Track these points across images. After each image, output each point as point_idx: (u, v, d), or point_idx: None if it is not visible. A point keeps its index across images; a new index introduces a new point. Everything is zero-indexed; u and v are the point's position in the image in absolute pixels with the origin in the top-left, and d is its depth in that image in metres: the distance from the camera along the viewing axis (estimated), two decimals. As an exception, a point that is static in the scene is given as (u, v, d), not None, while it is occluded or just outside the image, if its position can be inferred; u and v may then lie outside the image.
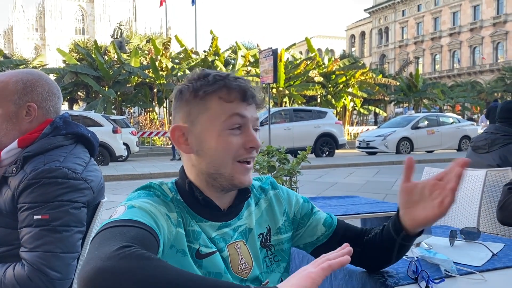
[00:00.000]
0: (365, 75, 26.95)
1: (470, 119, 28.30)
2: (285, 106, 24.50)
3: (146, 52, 28.66)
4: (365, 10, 73.65)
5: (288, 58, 28.32)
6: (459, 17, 58.57)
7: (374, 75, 28.41)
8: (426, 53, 63.38)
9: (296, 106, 22.05)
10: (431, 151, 16.22)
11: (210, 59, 25.84)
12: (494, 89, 41.51)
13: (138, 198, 0.87)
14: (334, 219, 1.12)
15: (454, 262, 1.15)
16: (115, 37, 52.59)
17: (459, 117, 20.72)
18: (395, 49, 67.46)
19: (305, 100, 26.21)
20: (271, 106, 17.05)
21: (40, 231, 1.15)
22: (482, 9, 55.69)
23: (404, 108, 36.60)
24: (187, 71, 25.15)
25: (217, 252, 0.91)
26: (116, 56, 26.16)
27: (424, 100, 34.75)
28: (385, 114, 33.17)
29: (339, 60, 28.70)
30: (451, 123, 16.86)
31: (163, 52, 26.00)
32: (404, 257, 1.25)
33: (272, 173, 2.45)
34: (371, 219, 2.10)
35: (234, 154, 0.91)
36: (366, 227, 1.12)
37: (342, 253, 0.71)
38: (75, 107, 29.50)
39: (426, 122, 16.38)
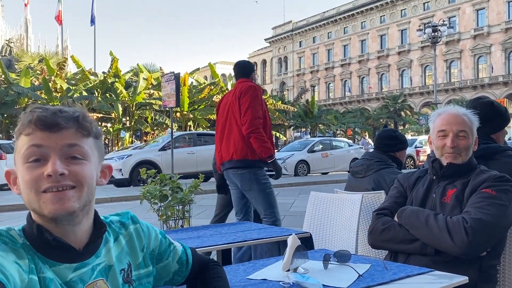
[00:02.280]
0: (266, 101, 28.00)
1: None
2: (189, 130, 24.40)
3: (38, 72, 26.73)
4: (265, 39, 77.10)
5: (192, 83, 28.43)
6: (349, 49, 64.13)
7: (275, 102, 29.75)
8: (321, 81, 68.09)
9: (200, 131, 22.08)
10: (326, 173, 17.27)
11: (109, 81, 24.90)
12: (379, 115, 45.82)
13: None
14: (189, 256, 1.16)
15: (324, 285, 1.24)
16: (3, 54, 48.29)
17: (350, 141, 22.44)
18: (294, 77, 71.44)
19: (209, 124, 26.39)
20: (175, 130, 16.85)
21: None
22: (368, 43, 61.65)
23: (302, 133, 38.66)
24: (84, 93, 23.93)
25: None
26: (3, 76, 23.98)
27: (319, 125, 37.12)
28: (285, 138, 34.70)
29: (241, 86, 29.52)
30: (343, 146, 18.20)
31: (58, 72, 24.51)
32: (280, 283, 1.33)
33: (165, 203, 2.43)
34: (261, 244, 2.18)
35: (35, 186, 0.86)
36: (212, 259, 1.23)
37: None
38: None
39: (320, 146, 17.48)
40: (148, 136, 26.70)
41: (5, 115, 22.22)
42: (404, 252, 1.78)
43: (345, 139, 22.47)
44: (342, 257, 1.54)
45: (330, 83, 67.45)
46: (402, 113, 47.45)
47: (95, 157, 0.95)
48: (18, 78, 24.29)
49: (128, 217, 1.07)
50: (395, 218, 1.84)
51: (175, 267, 1.13)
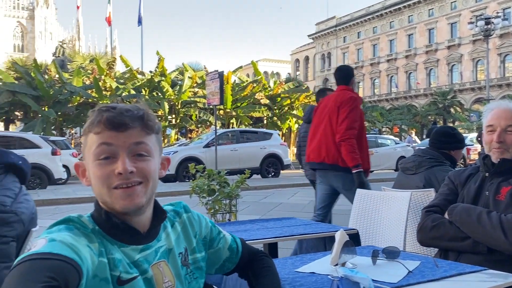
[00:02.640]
0: (309, 98, 27.82)
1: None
2: (232, 127, 24.67)
3: (89, 71, 27.89)
4: (308, 35, 76.43)
5: (235, 80, 28.69)
6: (396, 44, 62.32)
7: (318, 98, 29.37)
8: (366, 77, 66.61)
9: (242, 128, 22.29)
10: (371, 171, 16.86)
11: (156, 80, 25.60)
12: (428, 112, 44.22)
13: (59, 232, 0.89)
14: (239, 244, 1.23)
15: (373, 280, 1.24)
16: (56, 55, 50.71)
17: (396, 138, 21.81)
18: (338, 73, 70.20)
19: (251, 122, 26.56)
20: (218, 127, 17.13)
21: None
22: (415, 37, 59.66)
23: (346, 130, 37.96)
24: (132, 91, 24.74)
25: (139, 277, 0.95)
26: (57, 75, 25.23)
27: (364, 122, 36.27)
28: (328, 136, 34.24)
29: (284, 83, 29.46)
30: (389, 144, 17.73)
31: (107, 72, 25.46)
32: (329, 276, 1.34)
33: (212, 197, 2.51)
34: (306, 239, 2.20)
35: (106, 182, 0.94)
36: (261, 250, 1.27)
37: None
38: (12, 127, 27.91)
39: (366, 144, 17.07)
40: (192, 133, 27.24)
41: (59, 113, 23.32)
42: (454, 250, 1.74)
43: (392, 137, 21.88)
44: (391, 253, 1.53)
45: (375, 79, 65.88)
46: (452, 110, 45.59)
47: (157, 152, 1.02)
48: (71, 77, 25.44)
49: (181, 206, 1.15)
50: (446, 216, 1.81)
51: (226, 254, 1.19)
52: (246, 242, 1.28)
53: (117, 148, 0.95)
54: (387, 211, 2.41)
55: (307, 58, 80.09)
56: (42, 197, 9.40)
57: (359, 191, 2.62)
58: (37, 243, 0.83)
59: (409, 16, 60.45)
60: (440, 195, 1.94)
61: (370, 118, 36.40)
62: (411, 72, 60.92)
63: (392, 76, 63.27)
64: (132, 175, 0.94)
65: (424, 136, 32.69)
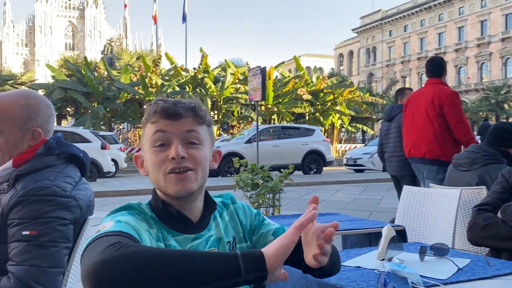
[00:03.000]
0: (352, 93, 27.31)
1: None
2: (273, 123, 24.65)
3: (136, 68, 28.71)
4: (353, 30, 74.97)
5: (277, 76, 28.61)
6: (445, 37, 59.96)
7: (362, 94, 28.82)
8: (413, 72, 64.54)
9: (284, 124, 22.22)
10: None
11: (199, 77, 25.98)
12: (479, 108, 42.30)
13: (122, 216, 0.95)
14: (286, 229, 1.21)
15: (421, 276, 1.22)
16: (105, 53, 52.49)
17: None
18: (383, 68, 68.57)
19: (293, 118, 26.41)
20: (259, 123, 17.19)
21: (27, 246, 1.20)
22: (466, 30, 57.13)
23: (391, 126, 36.96)
24: (177, 88, 25.27)
25: None
26: (106, 73, 26.18)
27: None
28: (372, 132, 33.55)
29: (327, 78, 29.07)
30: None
31: (153, 69, 26.10)
32: (375, 270, 1.34)
33: (256, 191, 2.54)
34: (351, 235, 2.18)
35: (161, 167, 1.00)
36: None
37: (310, 213, 0.86)
38: (64, 123, 29.29)
39: (411, 140, 16.56)
40: (234, 129, 27.49)
41: (108, 109, 24.19)
42: (508, 250, 1.68)
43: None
44: (440, 250, 1.50)
45: (422, 74, 63.63)
46: (505, 106, 43.36)
47: (208, 142, 1.07)
48: (119, 75, 26.28)
49: (229, 197, 1.21)
50: (498, 214, 1.74)
51: (270, 239, 1.18)
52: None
53: (171, 135, 1.01)
54: (435, 209, 2.35)
55: (351, 53, 78.64)
56: (92, 190, 9.80)
57: (406, 188, 2.57)
58: (105, 225, 0.90)
59: (459, 7, 57.94)
60: (493, 193, 1.87)
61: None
62: (461, 67, 58.45)
63: (440, 70, 60.90)
64: (183, 160, 1.00)
65: (475, 133, 31.32)
